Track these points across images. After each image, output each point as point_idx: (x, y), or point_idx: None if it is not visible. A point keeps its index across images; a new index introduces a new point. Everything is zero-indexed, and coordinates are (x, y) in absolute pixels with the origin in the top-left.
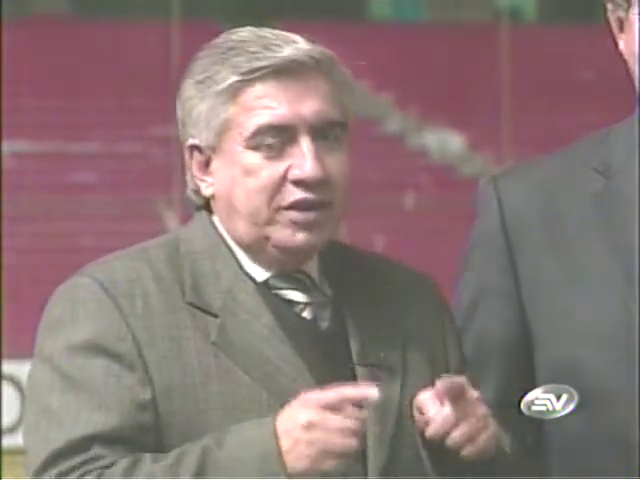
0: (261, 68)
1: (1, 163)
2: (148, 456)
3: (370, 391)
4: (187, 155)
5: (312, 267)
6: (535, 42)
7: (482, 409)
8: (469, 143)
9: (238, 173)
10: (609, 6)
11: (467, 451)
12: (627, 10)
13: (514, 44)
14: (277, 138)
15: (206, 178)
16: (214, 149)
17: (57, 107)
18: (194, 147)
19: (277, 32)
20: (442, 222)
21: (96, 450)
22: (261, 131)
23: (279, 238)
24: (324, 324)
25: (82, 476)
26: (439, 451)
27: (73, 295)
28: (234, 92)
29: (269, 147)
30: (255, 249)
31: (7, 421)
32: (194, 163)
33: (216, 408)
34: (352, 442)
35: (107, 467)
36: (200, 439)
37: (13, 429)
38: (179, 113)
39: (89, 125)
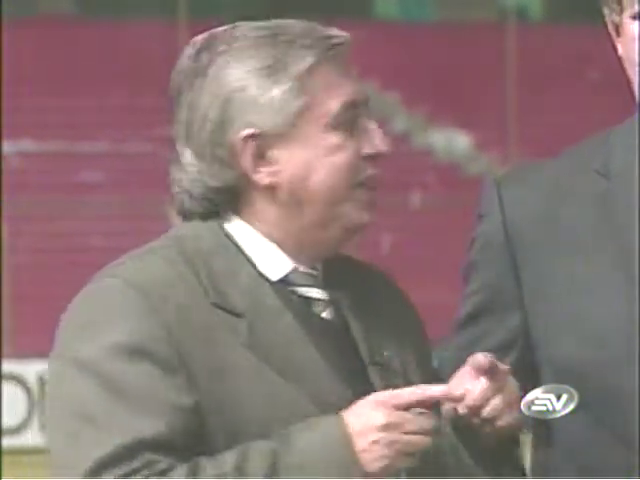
0: (332, 46)
1: (2, 163)
2: (205, 461)
3: (455, 390)
4: (239, 147)
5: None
6: (541, 41)
7: (513, 383)
8: (475, 142)
9: (318, 154)
10: (605, 10)
11: (502, 422)
12: (620, 14)
13: (520, 43)
14: (352, 116)
15: (264, 168)
16: (285, 135)
17: (64, 107)
18: (251, 136)
19: (281, 21)
20: (448, 221)
21: (148, 456)
22: (342, 110)
23: (352, 217)
24: (336, 321)
25: (147, 477)
26: (463, 435)
27: (106, 297)
28: (312, 73)
29: (347, 125)
30: (303, 239)
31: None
32: (247, 154)
33: (256, 409)
34: (428, 441)
35: (162, 473)
36: (249, 442)
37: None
38: (212, 108)
39: (96, 125)
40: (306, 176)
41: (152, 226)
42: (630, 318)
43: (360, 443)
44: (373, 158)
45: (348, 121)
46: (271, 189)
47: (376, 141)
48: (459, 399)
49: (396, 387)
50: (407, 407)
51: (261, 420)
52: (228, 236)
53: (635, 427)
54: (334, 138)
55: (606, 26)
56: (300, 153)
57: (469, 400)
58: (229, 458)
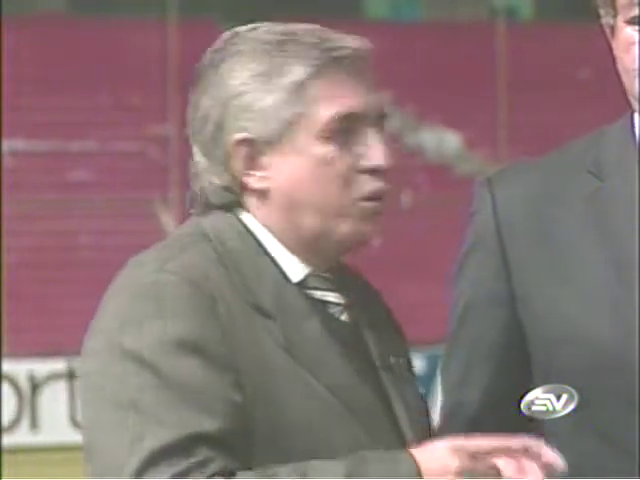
0: (330, 58)
1: (0, 162)
2: (273, 471)
3: (559, 461)
4: (234, 150)
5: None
6: (531, 41)
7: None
8: (466, 142)
9: (309, 165)
10: (601, 12)
11: None
12: (615, 17)
13: (510, 43)
14: (349, 128)
15: (255, 172)
16: (276, 142)
17: (54, 106)
18: (243, 141)
19: (302, 25)
20: (439, 220)
21: (205, 452)
22: (334, 121)
23: (349, 230)
24: (352, 326)
25: (211, 476)
26: None
27: (163, 293)
28: (306, 84)
29: (341, 137)
30: (307, 245)
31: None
32: (240, 157)
33: (296, 411)
34: None
35: (222, 472)
36: (288, 449)
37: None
38: (214, 109)
39: (86, 124)
40: (297, 185)
41: (141, 225)
42: (622, 319)
43: None
44: (373, 172)
45: (342, 133)
46: (263, 193)
47: (374, 155)
48: (558, 469)
49: (405, 392)
50: (483, 453)
51: (301, 421)
52: (252, 235)
53: (635, 427)
54: (325, 149)
55: (597, 26)
56: (291, 162)
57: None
58: (296, 471)
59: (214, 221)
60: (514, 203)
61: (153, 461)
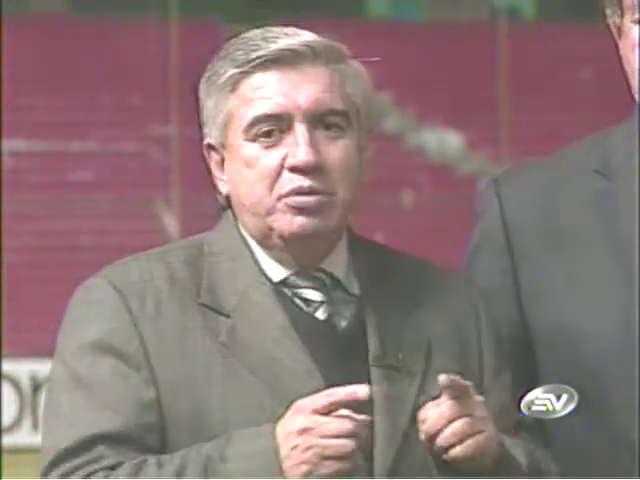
0: (256, 58)
1: (0, 162)
2: (152, 460)
3: (359, 391)
4: (207, 156)
5: (337, 266)
6: (533, 41)
7: (482, 412)
8: (467, 142)
9: (240, 166)
10: (607, 12)
11: (454, 452)
12: (621, 17)
13: (512, 43)
14: (274, 128)
15: (223, 177)
16: (223, 145)
17: (54, 106)
18: (210, 146)
19: (286, 28)
20: (440, 221)
21: (100, 450)
22: (258, 121)
23: (280, 225)
24: (343, 323)
25: (87, 476)
26: (445, 463)
27: (88, 296)
28: (233, 84)
29: (267, 137)
30: (265, 244)
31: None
32: (212, 163)
33: (220, 409)
34: (349, 444)
35: (112, 468)
36: (207, 440)
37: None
38: (200, 116)
39: (87, 124)
40: (235, 188)
41: (142, 225)
42: (629, 318)
43: (283, 450)
44: (297, 170)
45: (268, 133)
46: (228, 198)
47: (298, 154)
48: (359, 399)
49: (404, 392)
50: (326, 411)
51: (223, 418)
52: (242, 238)
53: (635, 427)
54: (251, 150)
55: (598, 26)
56: (232, 165)
57: (424, 426)
58: (174, 462)
59: (218, 226)
60: (521, 203)
61: (56, 462)
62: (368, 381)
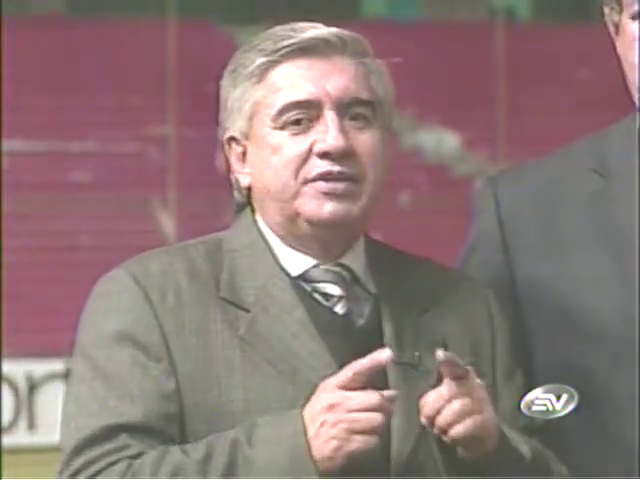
0: (286, 46)
1: (0, 162)
2: (176, 448)
3: (381, 355)
4: (227, 151)
5: (355, 262)
6: (530, 41)
7: (481, 394)
8: (464, 142)
9: (267, 154)
10: (606, 10)
11: (453, 431)
12: (620, 14)
13: (509, 43)
14: (303, 115)
15: (244, 170)
16: (247, 135)
17: (54, 106)
18: (231, 139)
19: (312, 23)
20: (437, 221)
21: (124, 439)
22: (287, 109)
23: (309, 210)
24: (360, 320)
25: (111, 464)
26: (451, 453)
27: (107, 288)
28: (261, 74)
29: (295, 125)
30: (290, 231)
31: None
32: (233, 157)
33: (240, 399)
34: (376, 417)
35: (135, 457)
36: (227, 430)
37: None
38: (221, 111)
39: (85, 124)
40: (262, 177)
41: (141, 225)
42: (626, 318)
43: (311, 430)
44: (327, 155)
45: (297, 120)
46: (250, 190)
47: (328, 138)
48: (382, 362)
49: (421, 390)
50: (352, 385)
51: (243, 409)
52: (260, 233)
53: (635, 427)
54: (279, 137)
55: (595, 26)
56: (257, 155)
57: (423, 409)
58: (199, 448)
59: (237, 223)
60: (517, 202)
61: (77, 451)
62: (385, 379)
